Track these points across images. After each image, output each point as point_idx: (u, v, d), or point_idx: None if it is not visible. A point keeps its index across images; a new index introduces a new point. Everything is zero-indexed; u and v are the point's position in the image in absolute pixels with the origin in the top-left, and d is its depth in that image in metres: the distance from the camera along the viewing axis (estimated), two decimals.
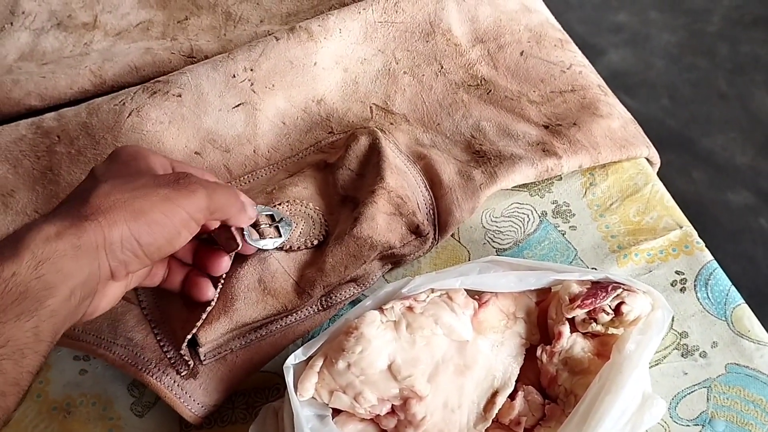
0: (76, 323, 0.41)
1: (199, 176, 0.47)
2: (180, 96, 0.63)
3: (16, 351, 0.36)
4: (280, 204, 0.57)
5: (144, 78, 0.69)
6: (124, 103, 0.63)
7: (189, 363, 0.52)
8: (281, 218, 0.55)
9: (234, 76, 0.64)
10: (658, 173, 0.65)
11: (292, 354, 0.47)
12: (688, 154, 1.58)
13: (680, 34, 1.81)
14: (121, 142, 0.61)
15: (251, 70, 0.64)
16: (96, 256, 0.40)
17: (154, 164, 0.46)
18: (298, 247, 0.56)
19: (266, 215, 0.54)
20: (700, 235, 0.58)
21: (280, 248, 0.55)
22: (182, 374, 0.52)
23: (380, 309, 0.48)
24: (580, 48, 0.71)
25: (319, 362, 0.47)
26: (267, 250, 0.54)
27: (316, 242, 0.57)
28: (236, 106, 0.64)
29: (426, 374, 0.47)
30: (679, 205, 0.61)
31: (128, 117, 0.62)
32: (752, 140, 1.61)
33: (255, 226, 0.53)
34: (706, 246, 0.58)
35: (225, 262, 0.51)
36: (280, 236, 0.54)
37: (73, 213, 0.40)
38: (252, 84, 0.64)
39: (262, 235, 0.53)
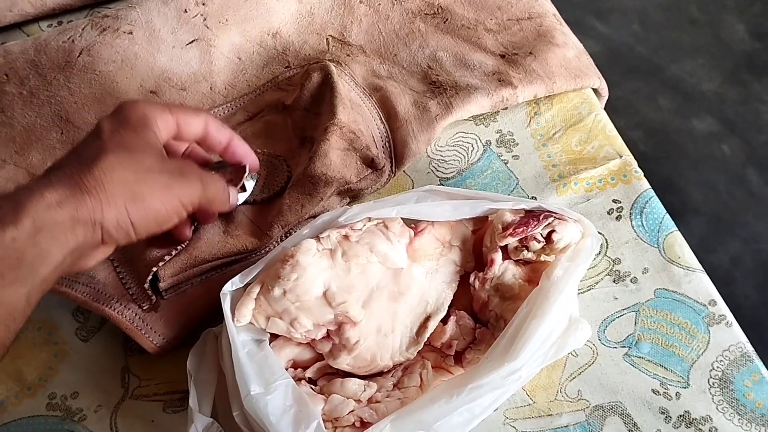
0: None
1: (202, 157, 0.53)
2: (131, 33, 0.62)
3: (8, 316, 0.38)
4: None
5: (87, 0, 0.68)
6: (73, 41, 0.62)
7: (151, 297, 0.52)
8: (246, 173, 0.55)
9: (186, 11, 0.63)
10: (624, 99, 0.65)
11: (230, 281, 0.48)
12: (656, 81, 1.57)
13: None
14: (74, 83, 0.61)
15: (203, 4, 0.63)
16: (91, 228, 0.41)
17: (159, 131, 0.46)
18: (262, 200, 0.56)
19: (230, 170, 0.55)
20: (663, 162, 0.59)
21: (244, 202, 0.56)
22: (144, 308, 0.52)
23: (317, 237, 0.49)
24: None
25: (256, 289, 0.48)
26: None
27: (278, 189, 0.57)
28: (190, 43, 0.63)
29: (360, 300, 0.48)
30: (644, 131, 0.61)
31: (79, 56, 0.61)
32: (720, 67, 1.61)
33: None
34: (670, 172, 0.58)
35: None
36: (245, 191, 0.55)
37: (75, 180, 0.41)
38: (205, 19, 0.63)
39: None
